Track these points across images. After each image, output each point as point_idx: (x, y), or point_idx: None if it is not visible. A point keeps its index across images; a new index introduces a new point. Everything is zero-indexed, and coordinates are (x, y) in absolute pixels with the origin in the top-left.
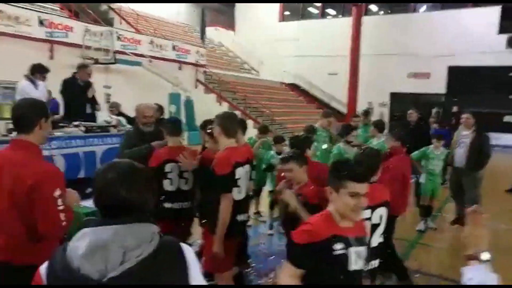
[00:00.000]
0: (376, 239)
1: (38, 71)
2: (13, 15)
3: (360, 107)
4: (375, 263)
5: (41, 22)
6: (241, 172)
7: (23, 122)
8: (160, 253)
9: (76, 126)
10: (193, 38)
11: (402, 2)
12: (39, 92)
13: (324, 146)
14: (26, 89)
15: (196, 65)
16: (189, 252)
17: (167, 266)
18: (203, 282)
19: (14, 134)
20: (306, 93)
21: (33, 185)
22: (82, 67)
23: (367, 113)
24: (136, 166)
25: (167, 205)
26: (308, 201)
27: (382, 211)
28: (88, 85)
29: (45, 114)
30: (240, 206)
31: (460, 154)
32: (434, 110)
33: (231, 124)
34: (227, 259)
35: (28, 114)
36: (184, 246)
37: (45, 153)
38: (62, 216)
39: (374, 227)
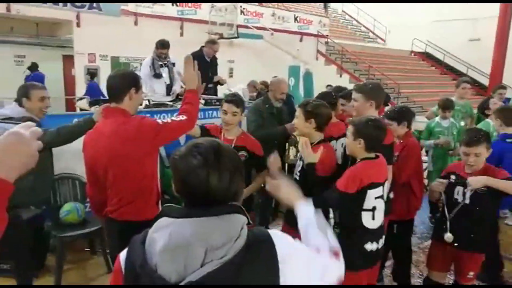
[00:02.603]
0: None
1: (156, 46)
2: None
3: (508, 78)
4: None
5: (173, 2)
6: None
7: (113, 92)
8: (248, 252)
9: None
10: (316, 8)
11: None
12: (159, 79)
13: (462, 123)
14: (143, 66)
15: (317, 36)
16: (283, 247)
17: (255, 269)
18: (298, 281)
19: None
20: (440, 63)
21: (140, 135)
22: (209, 42)
23: None
24: (223, 147)
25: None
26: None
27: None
28: (214, 60)
29: (134, 85)
30: None
31: None
32: None
33: (381, 94)
34: None
35: (117, 85)
36: (276, 239)
37: None
38: (178, 121)
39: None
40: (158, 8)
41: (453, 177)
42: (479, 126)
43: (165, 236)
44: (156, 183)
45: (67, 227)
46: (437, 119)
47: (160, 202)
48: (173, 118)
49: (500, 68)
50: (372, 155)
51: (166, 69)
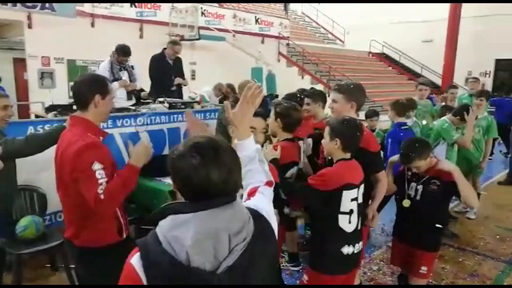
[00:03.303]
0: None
1: (116, 52)
2: None
3: (458, 77)
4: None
5: (132, 2)
6: None
7: (77, 99)
8: (257, 230)
9: (161, 102)
10: (277, 10)
11: None
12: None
13: (424, 121)
14: (100, 70)
15: (279, 37)
16: (268, 216)
17: (266, 243)
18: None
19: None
20: (396, 63)
21: (71, 162)
22: (171, 43)
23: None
24: (221, 144)
25: (286, 210)
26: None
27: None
28: (178, 62)
29: (101, 90)
30: None
31: None
32: None
33: (363, 96)
34: None
35: (80, 92)
36: (264, 211)
37: (131, 129)
38: (99, 190)
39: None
40: (116, 9)
41: (409, 173)
42: (438, 123)
43: (190, 231)
44: (115, 210)
45: (24, 243)
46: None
47: (124, 229)
48: (102, 183)
49: (451, 68)
50: (348, 155)
51: (125, 73)
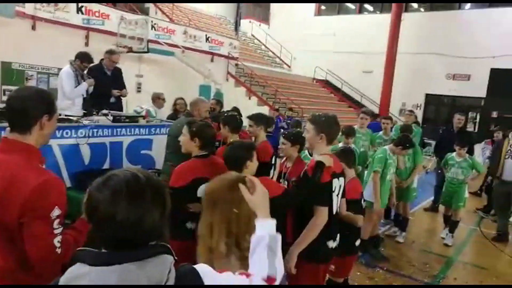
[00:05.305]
0: None
1: (78, 57)
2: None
3: (393, 107)
4: None
5: (79, 9)
6: (336, 185)
7: (19, 118)
8: None
9: (105, 115)
10: (227, 30)
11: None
12: (75, 89)
13: (362, 149)
14: (62, 76)
15: (228, 57)
16: (211, 281)
17: None
18: None
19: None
20: (338, 91)
21: (26, 202)
22: (107, 53)
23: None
24: (141, 180)
25: (189, 225)
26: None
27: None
28: (117, 72)
29: (49, 110)
30: (332, 227)
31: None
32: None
33: (334, 129)
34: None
35: (26, 109)
36: (203, 273)
37: (71, 141)
38: (56, 242)
39: None
40: (60, 14)
41: None
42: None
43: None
44: None
45: None
46: (340, 145)
47: None
48: (57, 234)
49: (388, 98)
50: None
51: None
